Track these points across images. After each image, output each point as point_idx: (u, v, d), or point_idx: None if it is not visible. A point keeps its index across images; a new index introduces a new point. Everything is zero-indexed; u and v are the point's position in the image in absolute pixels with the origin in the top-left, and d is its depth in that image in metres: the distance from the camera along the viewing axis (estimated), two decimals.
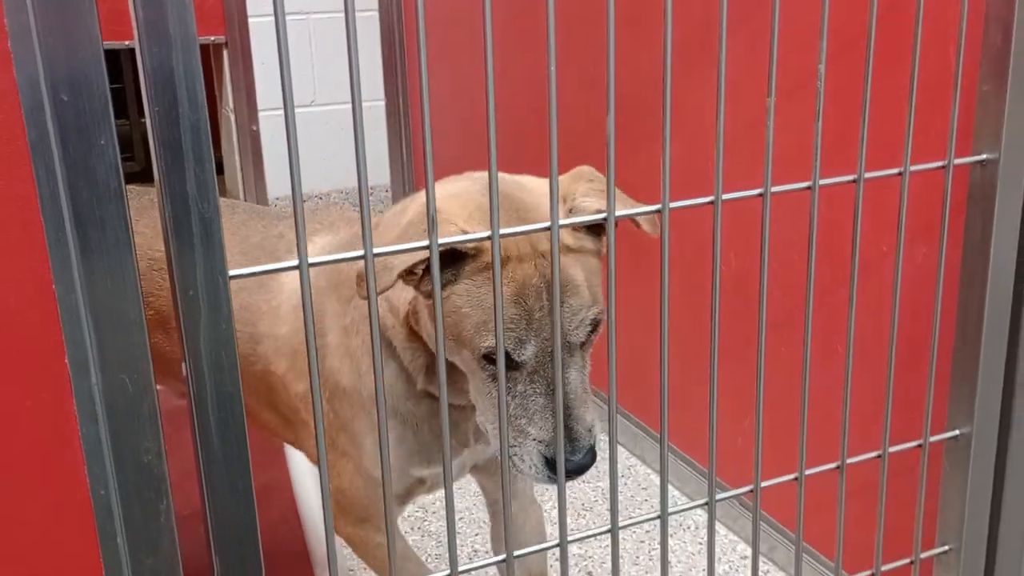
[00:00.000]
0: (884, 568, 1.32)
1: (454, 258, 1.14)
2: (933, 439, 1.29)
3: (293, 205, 0.81)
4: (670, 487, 1.96)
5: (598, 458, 1.20)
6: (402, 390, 1.34)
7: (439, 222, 1.10)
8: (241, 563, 0.89)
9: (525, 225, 0.95)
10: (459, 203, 1.16)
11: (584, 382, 1.21)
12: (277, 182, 3.43)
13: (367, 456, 1.36)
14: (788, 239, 1.66)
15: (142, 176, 3.61)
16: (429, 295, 1.15)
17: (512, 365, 1.16)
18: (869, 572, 1.32)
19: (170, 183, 0.79)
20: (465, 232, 1.12)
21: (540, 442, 1.17)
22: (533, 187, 1.23)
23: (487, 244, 1.11)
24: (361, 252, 0.87)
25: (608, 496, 2.13)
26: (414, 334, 1.29)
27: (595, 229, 1.22)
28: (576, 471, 1.18)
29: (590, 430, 1.19)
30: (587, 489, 2.16)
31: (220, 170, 3.54)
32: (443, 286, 1.15)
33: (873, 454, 1.25)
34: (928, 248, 1.41)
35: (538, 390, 1.17)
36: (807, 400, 1.18)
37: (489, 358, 1.16)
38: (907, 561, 1.34)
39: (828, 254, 1.57)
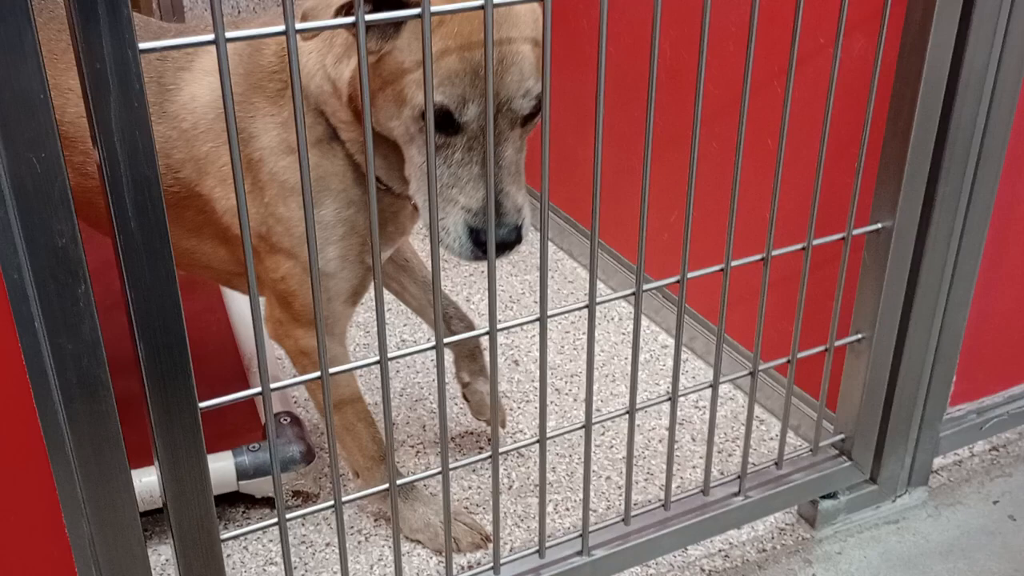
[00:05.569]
0: (799, 355, 1.38)
1: (395, 5, 1.03)
2: (856, 232, 1.31)
3: None
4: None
5: (523, 242, 1.17)
6: (351, 177, 1.28)
7: None
8: (167, 350, 0.87)
9: None
10: None
11: (519, 164, 1.17)
12: None
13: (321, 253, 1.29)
14: (724, 29, 1.62)
15: None
16: (369, 52, 1.08)
17: (451, 129, 1.11)
18: (785, 359, 1.37)
19: None
20: None
21: (468, 211, 1.13)
22: None
23: None
24: (282, 27, 0.82)
25: (535, 289, 2.15)
26: (359, 117, 1.22)
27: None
28: (500, 246, 1.14)
29: (519, 210, 1.16)
30: (515, 282, 2.18)
31: None
32: (384, 39, 1.10)
33: (798, 246, 1.28)
34: (866, 41, 1.38)
35: (474, 159, 1.12)
36: (737, 193, 1.18)
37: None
38: (822, 348, 1.40)
39: (762, 47, 1.54)
